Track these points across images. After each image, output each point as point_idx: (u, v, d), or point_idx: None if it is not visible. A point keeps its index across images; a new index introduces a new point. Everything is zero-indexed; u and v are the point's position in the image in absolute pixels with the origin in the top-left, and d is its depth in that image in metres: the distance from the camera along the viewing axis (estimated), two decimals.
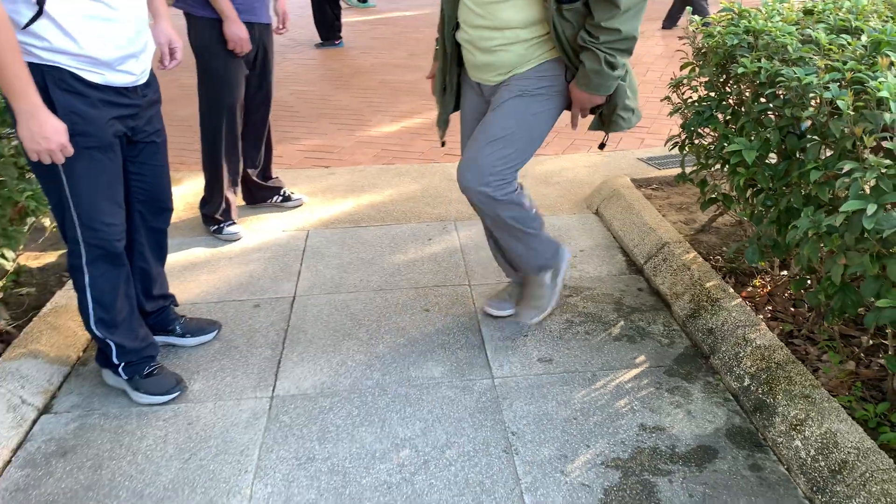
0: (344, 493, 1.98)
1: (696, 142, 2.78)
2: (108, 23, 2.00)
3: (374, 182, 4.20)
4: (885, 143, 1.70)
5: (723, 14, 2.80)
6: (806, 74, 2.03)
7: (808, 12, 2.66)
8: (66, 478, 2.07)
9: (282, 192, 3.84)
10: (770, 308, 2.61)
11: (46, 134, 1.93)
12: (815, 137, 2.02)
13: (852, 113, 1.83)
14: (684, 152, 2.88)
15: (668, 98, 3.01)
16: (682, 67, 3.00)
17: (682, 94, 2.91)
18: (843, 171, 1.77)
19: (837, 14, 2.41)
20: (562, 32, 2.13)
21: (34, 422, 2.29)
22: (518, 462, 2.07)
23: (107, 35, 2.01)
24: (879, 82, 1.76)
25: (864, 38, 2.07)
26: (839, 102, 1.85)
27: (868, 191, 1.74)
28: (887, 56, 1.89)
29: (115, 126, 2.10)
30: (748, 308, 2.53)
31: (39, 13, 1.90)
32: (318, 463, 2.09)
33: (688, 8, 8.20)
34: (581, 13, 2.13)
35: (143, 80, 2.17)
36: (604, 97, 2.23)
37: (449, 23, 2.32)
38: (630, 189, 3.63)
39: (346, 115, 5.70)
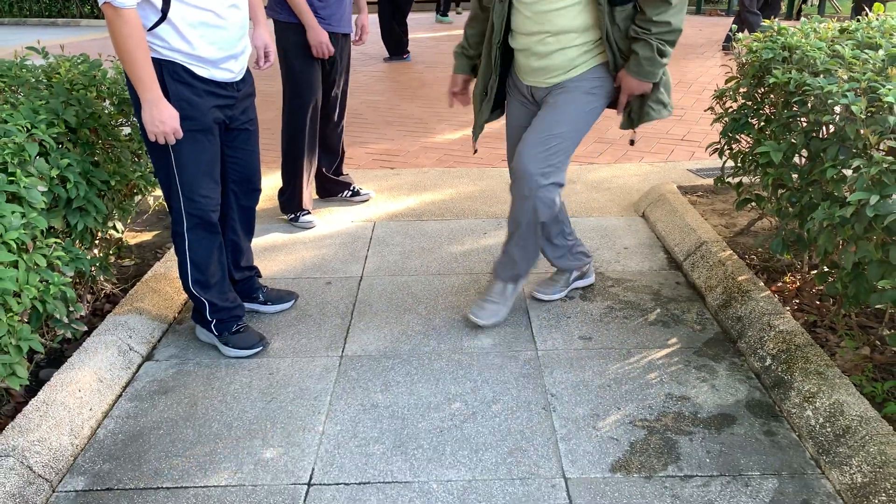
0: (402, 433, 2.29)
1: (735, 147, 3.02)
2: (216, 29, 2.38)
3: (435, 182, 4.53)
4: (888, 143, 1.94)
5: (765, 32, 3.04)
6: (828, 84, 2.27)
7: (842, 30, 2.89)
8: (167, 410, 2.43)
9: (351, 188, 4.20)
10: (797, 301, 2.83)
11: (164, 119, 2.31)
12: (834, 139, 2.26)
13: (864, 117, 2.07)
14: (724, 158, 3.12)
15: (711, 108, 3.25)
16: (726, 81, 3.25)
17: (724, 104, 3.16)
18: (853, 167, 2.01)
19: (867, 32, 2.64)
20: (612, 35, 2.41)
21: (139, 366, 2.67)
22: (555, 417, 2.34)
23: (214, 39, 2.39)
24: (888, 89, 2.00)
25: (881, 52, 2.30)
26: (853, 108, 2.09)
27: (873, 184, 1.98)
28: None
29: (215, 113, 2.47)
30: (775, 299, 2.75)
31: (163, 19, 2.29)
32: (380, 409, 2.40)
33: (733, 26, 8.36)
34: (630, 16, 2.41)
35: (240, 77, 2.54)
36: (650, 85, 2.48)
37: (498, 32, 2.53)
38: (675, 195, 3.87)
39: (411, 122, 6.07)
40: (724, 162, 3.17)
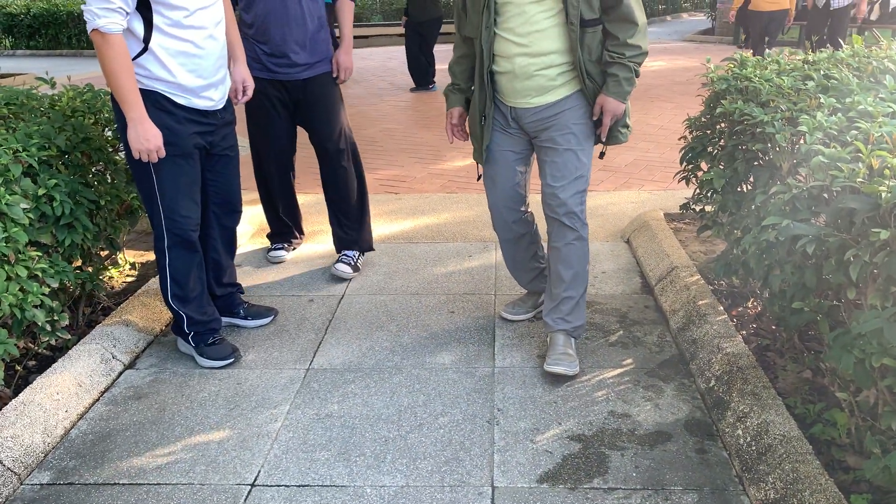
0: (350, 441, 2.41)
1: (699, 175, 3.11)
2: (194, 58, 2.58)
3: (433, 207, 4.69)
4: (800, 169, 2.02)
5: (727, 62, 3.12)
6: (762, 114, 2.35)
7: (806, 62, 2.96)
8: (137, 414, 2.60)
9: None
10: (755, 325, 2.88)
11: (148, 137, 2.51)
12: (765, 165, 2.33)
13: (785, 144, 2.15)
14: (695, 186, 3.20)
15: (684, 137, 3.33)
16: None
17: (693, 133, 3.24)
18: (770, 192, 2.10)
19: (816, 66, 2.71)
20: (582, 58, 2.56)
21: (120, 374, 2.86)
22: (497, 431, 2.44)
23: (193, 68, 2.59)
24: (803, 118, 2.08)
25: (810, 83, 2.38)
26: (777, 137, 2.17)
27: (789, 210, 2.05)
28: (817, 98, 2.20)
29: (195, 139, 2.67)
30: (730, 323, 2.81)
31: (145, 49, 2.50)
32: (333, 419, 2.53)
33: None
34: (600, 40, 2.58)
35: (220, 105, 2.74)
36: (624, 105, 2.63)
37: (487, 58, 2.65)
38: (659, 221, 3.94)
39: (424, 150, 6.25)
40: (696, 190, 3.24)
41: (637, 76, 2.58)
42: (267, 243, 4.13)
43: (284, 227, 3.92)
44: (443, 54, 12.47)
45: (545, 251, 3.12)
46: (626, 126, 2.72)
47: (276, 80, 3.39)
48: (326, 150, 3.56)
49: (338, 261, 3.67)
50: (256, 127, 3.55)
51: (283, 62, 3.35)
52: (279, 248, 3.90)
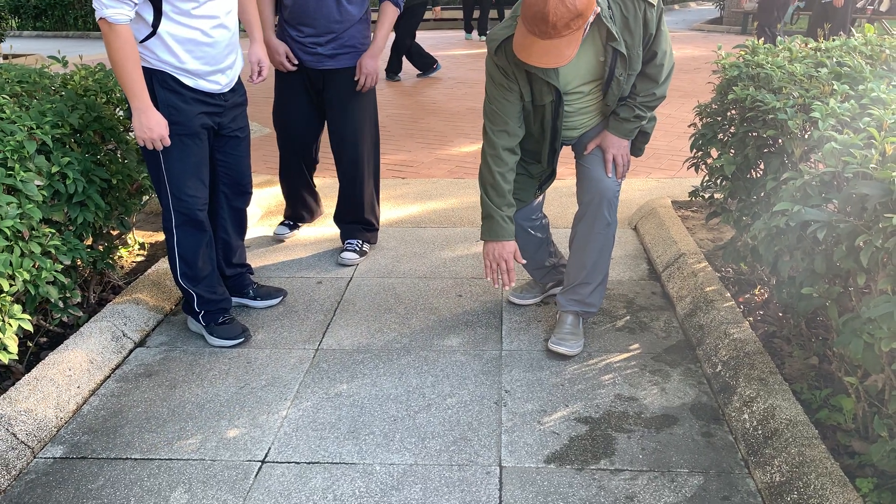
0: (359, 420, 2.44)
1: (709, 162, 3.11)
2: (203, 46, 2.58)
3: (441, 192, 4.70)
4: (812, 155, 2.02)
5: (739, 49, 3.12)
6: (774, 101, 2.36)
7: (817, 49, 2.96)
8: (148, 391, 2.63)
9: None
10: (761, 312, 2.89)
11: (151, 126, 2.52)
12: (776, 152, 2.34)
13: (797, 131, 2.15)
14: (703, 173, 3.21)
15: (693, 124, 3.33)
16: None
17: (704, 120, 3.24)
18: (782, 178, 2.10)
19: (828, 53, 2.71)
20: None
21: (131, 351, 2.88)
22: (504, 412, 2.46)
23: (200, 55, 2.59)
24: (815, 105, 2.09)
25: (823, 70, 2.38)
26: (789, 123, 2.18)
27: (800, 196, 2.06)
28: (829, 85, 2.20)
29: (202, 119, 2.67)
30: (737, 309, 2.82)
31: (153, 34, 2.50)
32: (342, 398, 2.56)
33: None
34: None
35: (228, 88, 2.74)
36: (627, 143, 2.64)
37: (556, 137, 2.61)
38: (667, 209, 3.95)
39: (431, 135, 6.25)
40: (705, 177, 3.25)
41: (642, 120, 2.59)
42: (275, 225, 4.15)
43: (291, 207, 3.94)
44: (448, 41, 12.42)
45: (556, 246, 3.13)
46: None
47: (302, 65, 3.40)
48: (339, 152, 3.56)
49: (343, 249, 3.68)
50: (279, 106, 3.56)
51: (307, 49, 3.35)
52: (284, 225, 3.95)
